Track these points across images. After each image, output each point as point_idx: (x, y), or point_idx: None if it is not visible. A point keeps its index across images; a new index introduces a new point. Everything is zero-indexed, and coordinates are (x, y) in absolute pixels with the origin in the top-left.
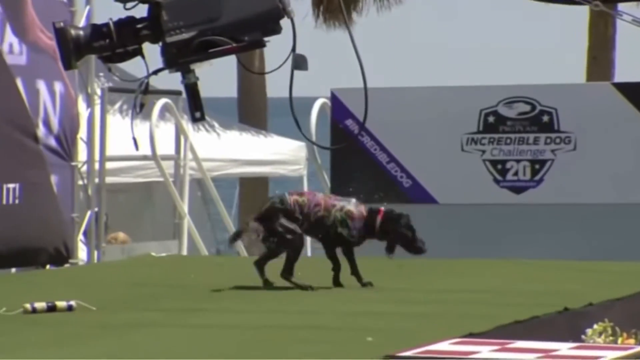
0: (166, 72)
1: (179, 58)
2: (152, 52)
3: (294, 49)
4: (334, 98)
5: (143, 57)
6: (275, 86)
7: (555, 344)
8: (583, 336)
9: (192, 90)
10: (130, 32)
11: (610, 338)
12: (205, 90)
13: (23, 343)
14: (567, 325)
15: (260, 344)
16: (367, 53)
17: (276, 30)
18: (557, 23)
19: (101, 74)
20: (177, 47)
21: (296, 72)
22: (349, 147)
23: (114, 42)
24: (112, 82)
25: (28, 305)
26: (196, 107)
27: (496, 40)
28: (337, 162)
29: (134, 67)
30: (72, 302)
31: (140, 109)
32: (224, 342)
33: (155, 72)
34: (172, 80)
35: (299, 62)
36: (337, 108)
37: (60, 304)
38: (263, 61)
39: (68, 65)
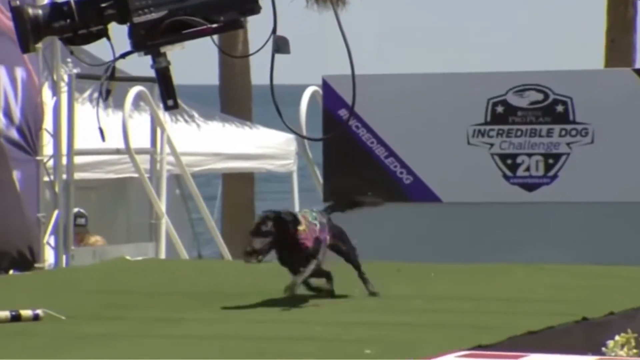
0: (137, 56)
1: (147, 40)
2: (121, 33)
3: (274, 31)
4: (325, 86)
5: (109, 39)
6: (261, 72)
7: (573, 357)
8: (604, 348)
9: (163, 75)
10: (94, 11)
11: (634, 351)
12: (184, 77)
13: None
14: (586, 336)
15: (245, 358)
16: (363, 36)
17: (254, 9)
18: (573, 3)
19: (68, 59)
20: (145, 28)
21: (281, 57)
22: (343, 140)
23: (75, 22)
24: (80, 67)
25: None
26: (168, 94)
27: (505, 22)
28: (329, 157)
29: (104, 50)
30: (39, 311)
31: (107, 96)
32: (205, 356)
33: (123, 56)
34: (147, 65)
35: (280, 45)
36: (329, 97)
37: (26, 313)
38: (247, 45)
39: (25, 48)
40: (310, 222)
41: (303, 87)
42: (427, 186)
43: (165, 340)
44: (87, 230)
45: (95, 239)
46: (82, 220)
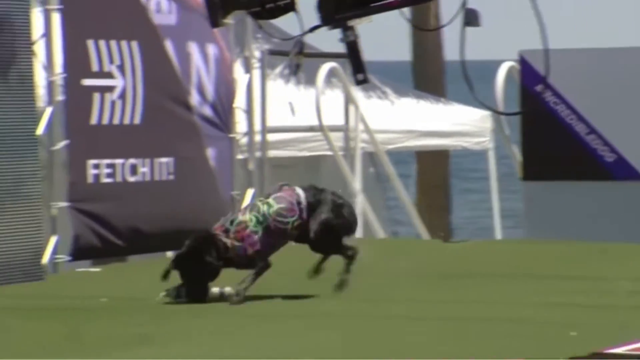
0: (326, 30)
1: (335, 14)
2: (309, 7)
3: (464, 3)
4: (523, 61)
5: (297, 13)
6: (454, 48)
7: None
8: None
9: (352, 49)
10: None
11: None
12: (375, 53)
13: (188, 331)
14: None
15: (453, 338)
16: (563, 9)
17: None
18: None
19: (259, 35)
20: (333, 2)
21: (475, 32)
22: (541, 117)
23: None
24: (271, 43)
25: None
26: (358, 68)
27: None
28: (528, 134)
29: (293, 25)
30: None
31: (296, 71)
32: (405, 335)
33: (311, 30)
34: (338, 41)
35: (471, 18)
36: (527, 72)
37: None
38: (438, 19)
39: (215, 23)
40: (249, 231)
41: (499, 63)
42: (631, 164)
43: (363, 320)
44: None
45: None
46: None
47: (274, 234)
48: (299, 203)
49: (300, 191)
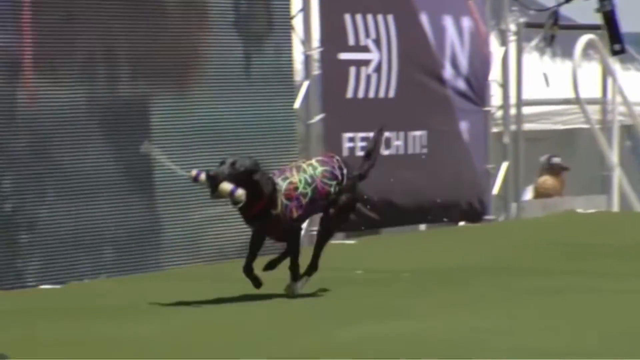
0: (582, 1)
1: None
2: None
3: None
4: None
5: None
6: None
7: None
8: None
9: (609, 19)
10: None
11: None
12: (634, 24)
13: (434, 304)
14: None
15: None
16: None
17: None
18: None
19: (515, 7)
20: None
21: None
22: None
23: None
24: (527, 16)
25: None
26: (615, 38)
27: None
28: None
29: None
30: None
31: (551, 42)
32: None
33: (568, 0)
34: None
35: None
36: None
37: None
38: None
39: None
40: (299, 193)
41: None
42: None
43: (598, 296)
44: (563, 168)
45: (544, 178)
46: (557, 160)
47: (320, 196)
48: (340, 168)
49: (338, 158)
